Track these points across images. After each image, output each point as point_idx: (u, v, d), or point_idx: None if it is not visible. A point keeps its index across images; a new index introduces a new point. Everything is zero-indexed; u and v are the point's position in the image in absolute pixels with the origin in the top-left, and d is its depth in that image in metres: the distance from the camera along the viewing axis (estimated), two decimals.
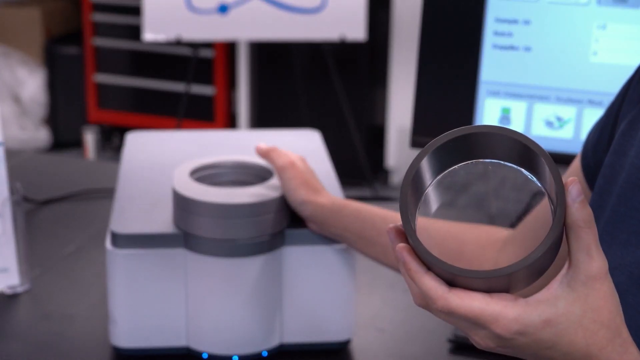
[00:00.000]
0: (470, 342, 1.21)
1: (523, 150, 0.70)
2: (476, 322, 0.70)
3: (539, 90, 1.33)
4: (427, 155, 0.71)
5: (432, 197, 0.74)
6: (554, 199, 0.69)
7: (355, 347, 1.23)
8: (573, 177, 0.69)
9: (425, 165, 0.72)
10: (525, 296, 0.71)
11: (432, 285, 0.71)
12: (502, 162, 0.72)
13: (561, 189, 0.68)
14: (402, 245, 0.72)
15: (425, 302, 0.74)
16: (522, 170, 0.71)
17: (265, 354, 1.18)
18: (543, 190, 0.71)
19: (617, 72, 1.29)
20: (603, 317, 0.70)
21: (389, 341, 1.26)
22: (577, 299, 0.70)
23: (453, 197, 0.75)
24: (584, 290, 0.69)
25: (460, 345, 1.23)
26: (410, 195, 0.71)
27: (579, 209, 0.68)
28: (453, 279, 0.70)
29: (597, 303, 0.70)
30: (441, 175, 0.73)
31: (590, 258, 0.69)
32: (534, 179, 0.71)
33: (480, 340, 0.72)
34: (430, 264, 0.70)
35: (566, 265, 0.70)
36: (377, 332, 1.27)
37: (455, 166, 0.73)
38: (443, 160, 0.72)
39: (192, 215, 1.12)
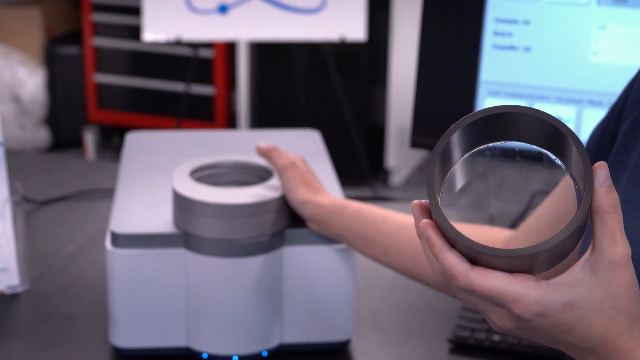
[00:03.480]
0: (470, 342, 1.21)
1: (552, 132, 0.69)
2: (496, 302, 0.70)
3: (539, 90, 1.33)
4: (457, 130, 0.71)
5: (458, 175, 0.73)
6: (580, 182, 0.69)
7: (355, 347, 1.23)
8: (602, 162, 0.69)
9: (455, 141, 0.71)
10: (546, 279, 0.70)
11: (455, 262, 0.70)
12: (529, 144, 0.71)
13: (589, 172, 0.68)
14: (426, 220, 0.71)
15: (445, 280, 0.73)
16: (548, 153, 0.71)
17: (265, 354, 1.18)
18: (568, 172, 0.71)
19: (617, 72, 1.29)
20: (623, 304, 0.70)
21: (389, 341, 1.26)
22: (599, 283, 0.69)
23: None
24: (606, 275, 0.69)
25: (460, 345, 1.23)
26: (437, 169, 0.71)
27: (606, 193, 0.68)
28: (476, 258, 0.69)
29: (617, 289, 0.70)
30: (469, 153, 0.73)
31: (615, 243, 0.69)
32: (560, 162, 0.71)
33: (498, 320, 0.72)
34: (454, 240, 0.70)
35: (589, 250, 0.70)
36: (377, 332, 1.27)
37: (483, 146, 0.72)
38: (472, 138, 0.72)
39: (192, 215, 1.12)
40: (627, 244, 0.69)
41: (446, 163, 0.72)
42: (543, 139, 0.71)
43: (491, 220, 1.55)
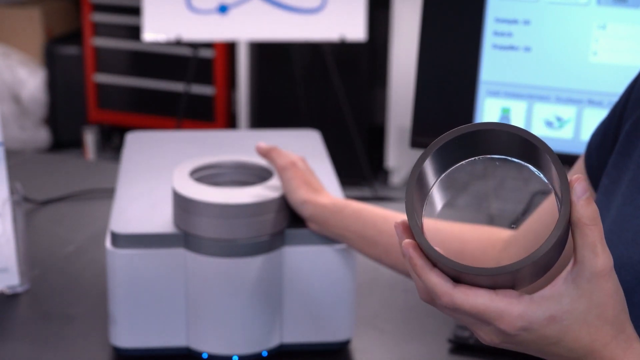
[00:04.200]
0: (470, 342, 1.21)
1: (528, 147, 0.70)
2: (481, 318, 0.70)
3: (538, 90, 1.33)
4: (431, 153, 0.71)
5: (437, 195, 0.74)
6: (560, 195, 0.69)
7: (355, 347, 1.23)
8: (578, 175, 0.69)
9: (430, 164, 0.72)
10: (530, 292, 0.71)
11: (437, 281, 0.71)
12: (509, 157, 0.72)
13: (566, 187, 0.68)
14: (408, 241, 0.72)
15: (430, 298, 0.74)
16: (529, 165, 0.71)
17: (265, 354, 1.18)
18: (549, 186, 0.71)
19: (617, 72, 1.29)
20: (607, 314, 0.71)
21: (389, 341, 1.26)
22: (582, 295, 0.70)
23: (457, 195, 0.75)
24: (588, 287, 0.70)
25: (460, 345, 1.23)
26: (416, 193, 0.71)
27: (584, 206, 0.68)
28: (458, 276, 0.70)
29: (601, 300, 0.70)
30: (447, 171, 0.73)
31: (595, 255, 0.69)
32: (540, 174, 0.71)
33: (484, 335, 0.72)
34: (435, 260, 0.70)
35: (571, 262, 0.70)
36: (377, 332, 1.27)
37: (462, 162, 0.73)
38: (448, 157, 0.72)
39: (192, 215, 1.12)
40: (609, 254, 0.70)
41: (425, 185, 0.73)
42: (520, 153, 0.71)
43: (491, 220, 1.55)
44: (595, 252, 0.69)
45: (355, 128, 3.50)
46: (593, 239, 0.69)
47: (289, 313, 1.18)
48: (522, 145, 0.70)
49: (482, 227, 1.17)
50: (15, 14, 4.29)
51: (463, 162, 0.73)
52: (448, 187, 0.74)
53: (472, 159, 0.73)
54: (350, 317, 1.20)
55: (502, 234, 1.13)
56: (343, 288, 1.18)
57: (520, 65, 1.34)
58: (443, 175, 0.74)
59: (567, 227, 0.69)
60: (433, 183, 0.73)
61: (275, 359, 1.19)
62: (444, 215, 0.76)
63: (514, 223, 1.49)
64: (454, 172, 0.73)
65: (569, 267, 0.70)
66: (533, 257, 0.67)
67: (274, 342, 1.18)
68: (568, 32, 1.31)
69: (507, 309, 0.69)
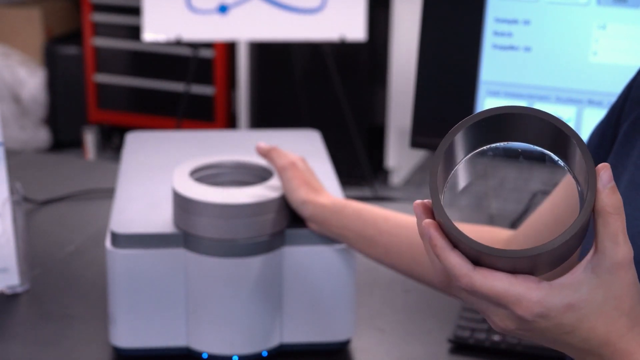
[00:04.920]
0: (470, 342, 1.21)
1: (555, 133, 0.69)
2: (498, 302, 0.70)
3: (539, 90, 1.33)
4: (461, 130, 0.71)
5: (461, 175, 0.73)
6: (583, 183, 0.69)
7: (355, 347, 1.23)
8: (605, 163, 0.69)
9: (458, 141, 0.71)
10: (548, 280, 0.70)
11: (457, 262, 0.70)
12: (532, 145, 0.71)
13: (593, 174, 0.68)
14: (428, 220, 0.71)
15: (447, 280, 0.73)
16: (551, 154, 0.71)
17: (265, 354, 1.18)
18: (571, 175, 0.71)
19: (617, 72, 1.29)
20: (625, 305, 0.70)
21: (389, 341, 1.26)
22: (601, 285, 0.69)
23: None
24: (608, 277, 0.69)
25: (460, 345, 1.23)
26: (440, 169, 0.70)
27: (609, 194, 0.68)
28: (478, 258, 0.69)
29: (619, 291, 0.70)
30: (472, 153, 0.73)
31: (617, 245, 0.69)
32: (563, 163, 0.71)
33: (499, 321, 0.72)
34: (456, 240, 0.69)
35: (592, 251, 0.70)
36: (377, 332, 1.27)
37: (487, 146, 0.72)
38: (475, 138, 0.71)
39: (192, 215, 1.12)
40: (630, 245, 0.69)
41: (449, 163, 0.72)
42: (546, 139, 0.71)
43: (491, 220, 1.55)
44: (617, 242, 0.69)
45: (355, 128, 3.51)
46: (615, 228, 0.68)
47: (289, 313, 1.18)
48: (551, 131, 0.69)
49: (482, 227, 1.17)
50: (15, 14, 4.29)
51: (487, 146, 0.72)
52: (470, 170, 0.74)
53: (497, 144, 0.72)
54: (350, 317, 1.20)
55: (502, 234, 1.13)
56: (343, 288, 1.18)
57: (520, 65, 1.34)
58: (470, 154, 0.72)
59: (590, 215, 0.68)
60: (458, 162, 0.72)
61: (275, 359, 1.19)
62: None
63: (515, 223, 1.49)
64: (478, 156, 0.73)
65: (589, 256, 0.70)
66: (555, 243, 0.66)
67: (274, 342, 1.18)
68: (568, 32, 1.31)
69: (526, 294, 0.69)
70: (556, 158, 0.71)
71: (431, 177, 0.70)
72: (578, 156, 0.69)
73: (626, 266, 0.69)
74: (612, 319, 0.70)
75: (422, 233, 0.72)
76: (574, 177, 0.71)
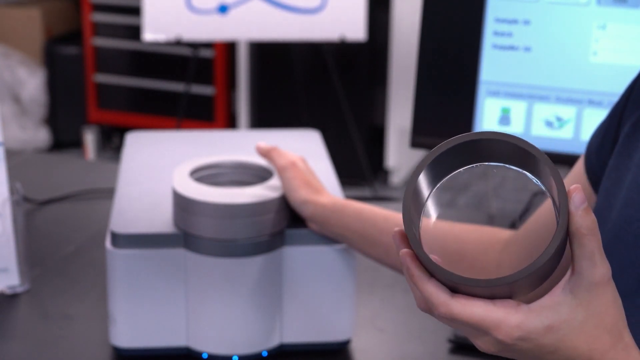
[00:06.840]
0: (470, 342, 1.21)
1: (525, 156, 0.70)
2: (478, 328, 0.70)
3: (538, 90, 1.33)
4: (427, 164, 0.71)
5: (435, 202, 0.74)
6: (558, 205, 0.69)
7: (355, 347, 1.23)
8: (576, 185, 0.69)
9: (427, 173, 0.72)
10: (529, 300, 0.71)
11: (434, 291, 0.71)
12: (507, 165, 0.72)
13: (564, 197, 0.68)
14: (405, 250, 0.72)
15: (428, 307, 0.74)
16: (527, 173, 0.71)
17: (265, 354, 1.18)
18: (547, 193, 0.71)
19: (617, 72, 1.29)
20: (606, 323, 0.71)
21: (389, 341, 1.26)
22: (580, 305, 0.70)
23: (454, 198, 0.75)
24: (586, 296, 0.70)
25: (460, 345, 1.23)
26: (413, 202, 0.71)
27: (582, 216, 0.68)
28: (455, 286, 0.70)
29: (599, 309, 0.70)
30: (443, 180, 0.73)
31: (594, 265, 0.69)
32: (539, 182, 0.71)
33: (482, 344, 0.72)
34: (432, 271, 0.70)
35: (569, 272, 0.71)
36: (377, 332, 1.27)
37: (459, 170, 0.73)
38: (446, 164, 0.72)
39: (192, 215, 1.12)
40: (607, 264, 0.70)
41: (421, 195, 0.73)
42: (518, 161, 0.71)
43: (491, 220, 1.55)
44: (593, 262, 0.69)
45: (355, 128, 3.51)
46: (591, 249, 0.69)
47: (289, 313, 1.18)
48: (520, 154, 0.70)
49: (482, 227, 1.17)
50: (15, 14, 4.29)
51: (460, 169, 0.73)
52: (444, 193, 0.74)
53: (470, 166, 0.72)
54: (350, 317, 1.20)
55: (502, 234, 1.13)
56: (343, 288, 1.18)
57: (520, 65, 1.34)
58: (439, 183, 0.73)
59: (565, 237, 0.69)
60: (430, 192, 0.73)
61: (275, 359, 1.19)
62: (444, 215, 0.76)
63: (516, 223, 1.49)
64: (452, 178, 0.73)
65: (567, 277, 0.71)
66: (531, 269, 0.67)
67: (274, 342, 1.18)
68: (568, 32, 1.31)
69: (505, 319, 0.69)
70: (533, 178, 0.71)
71: (404, 212, 0.70)
72: (551, 179, 0.69)
73: (604, 285, 0.70)
74: (593, 338, 0.71)
75: (401, 262, 0.72)
76: (551, 197, 0.71)
